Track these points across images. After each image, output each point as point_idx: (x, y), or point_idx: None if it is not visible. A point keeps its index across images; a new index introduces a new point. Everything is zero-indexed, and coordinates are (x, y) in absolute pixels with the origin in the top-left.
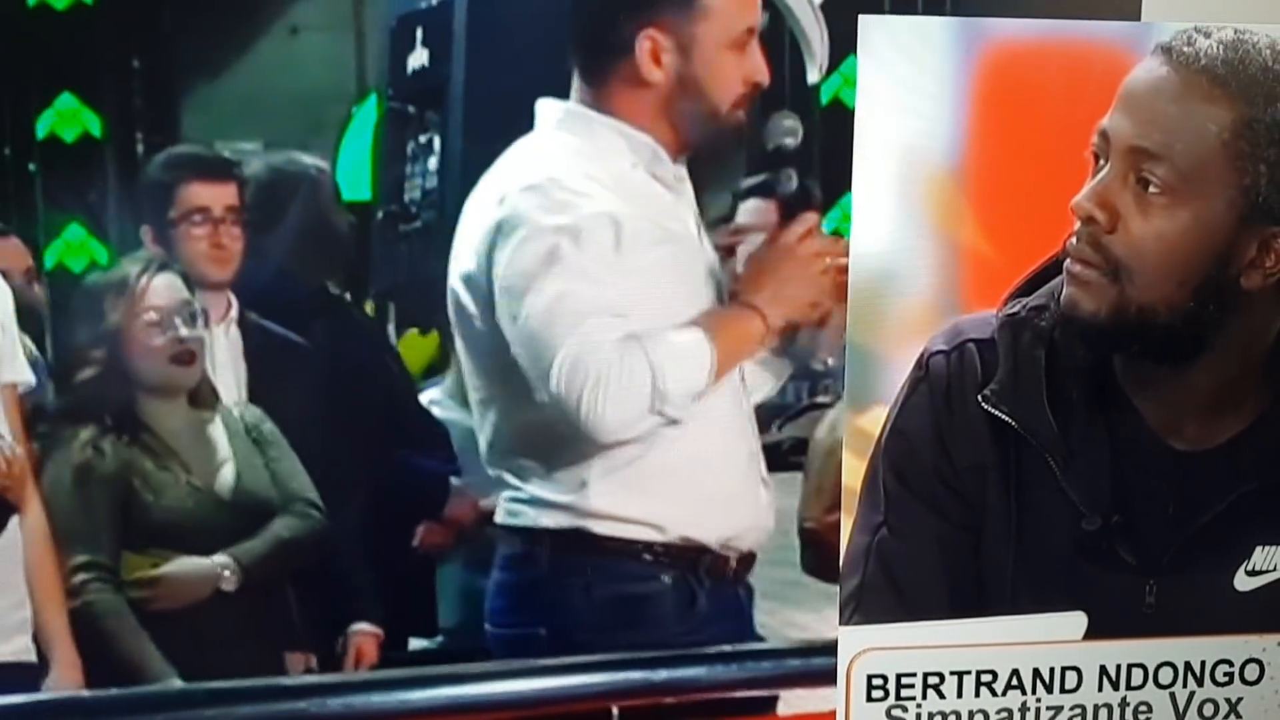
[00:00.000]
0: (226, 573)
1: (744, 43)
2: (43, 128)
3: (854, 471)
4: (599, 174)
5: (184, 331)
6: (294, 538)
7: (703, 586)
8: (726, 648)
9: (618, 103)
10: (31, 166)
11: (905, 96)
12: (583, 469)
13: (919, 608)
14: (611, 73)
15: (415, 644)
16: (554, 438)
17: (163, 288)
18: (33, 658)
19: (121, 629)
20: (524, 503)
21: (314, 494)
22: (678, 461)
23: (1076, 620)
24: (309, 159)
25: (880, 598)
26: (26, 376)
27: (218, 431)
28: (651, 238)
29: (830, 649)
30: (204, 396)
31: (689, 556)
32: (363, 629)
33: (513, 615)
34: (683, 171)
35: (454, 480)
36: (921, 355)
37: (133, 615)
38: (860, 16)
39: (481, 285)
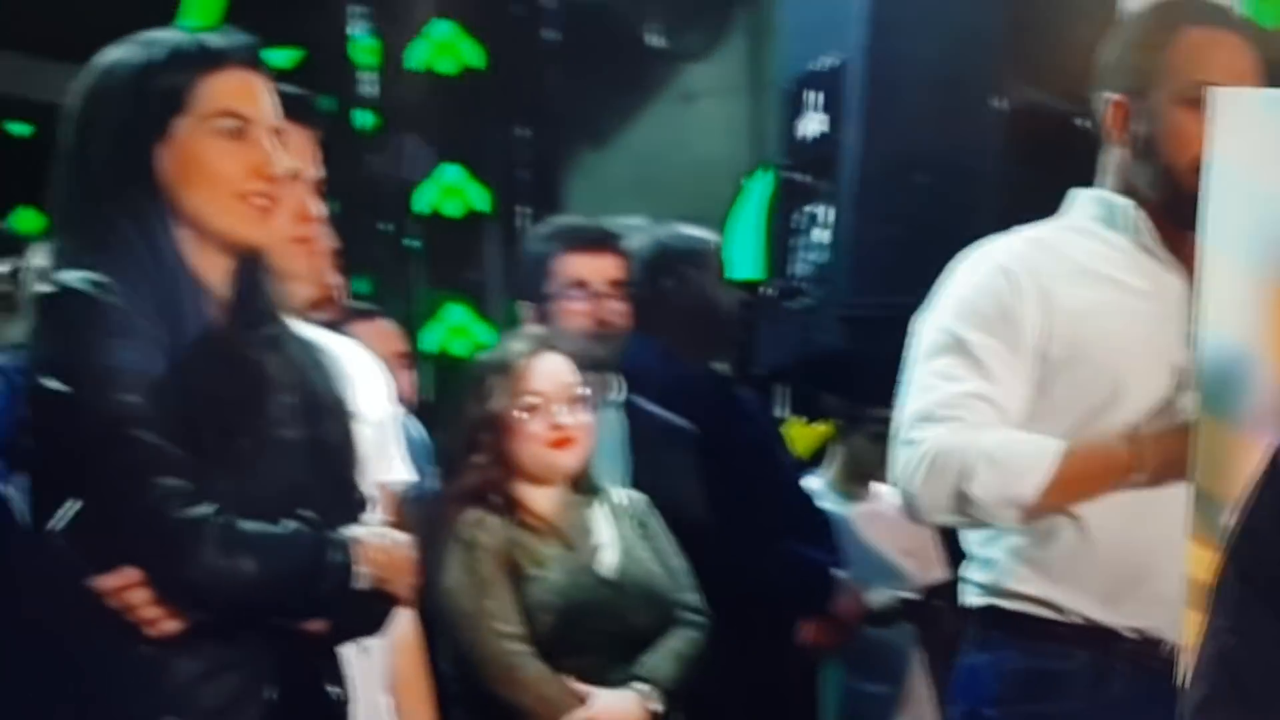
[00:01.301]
0: (652, 696)
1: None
2: (424, 201)
3: (1200, 562)
4: (1057, 252)
5: (565, 418)
6: (693, 653)
7: (1116, 672)
8: None
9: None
10: (411, 242)
11: (1259, 175)
12: (993, 548)
13: None
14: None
15: None
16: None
17: (547, 371)
18: None
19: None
20: (962, 581)
21: (697, 596)
22: (1082, 546)
23: None
24: (699, 233)
25: (1226, 711)
26: (405, 475)
27: (601, 515)
28: (1095, 322)
29: None
30: (586, 481)
31: (1098, 640)
32: None
33: (952, 691)
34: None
35: (838, 574)
36: (1275, 452)
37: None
38: (1210, 90)
39: None
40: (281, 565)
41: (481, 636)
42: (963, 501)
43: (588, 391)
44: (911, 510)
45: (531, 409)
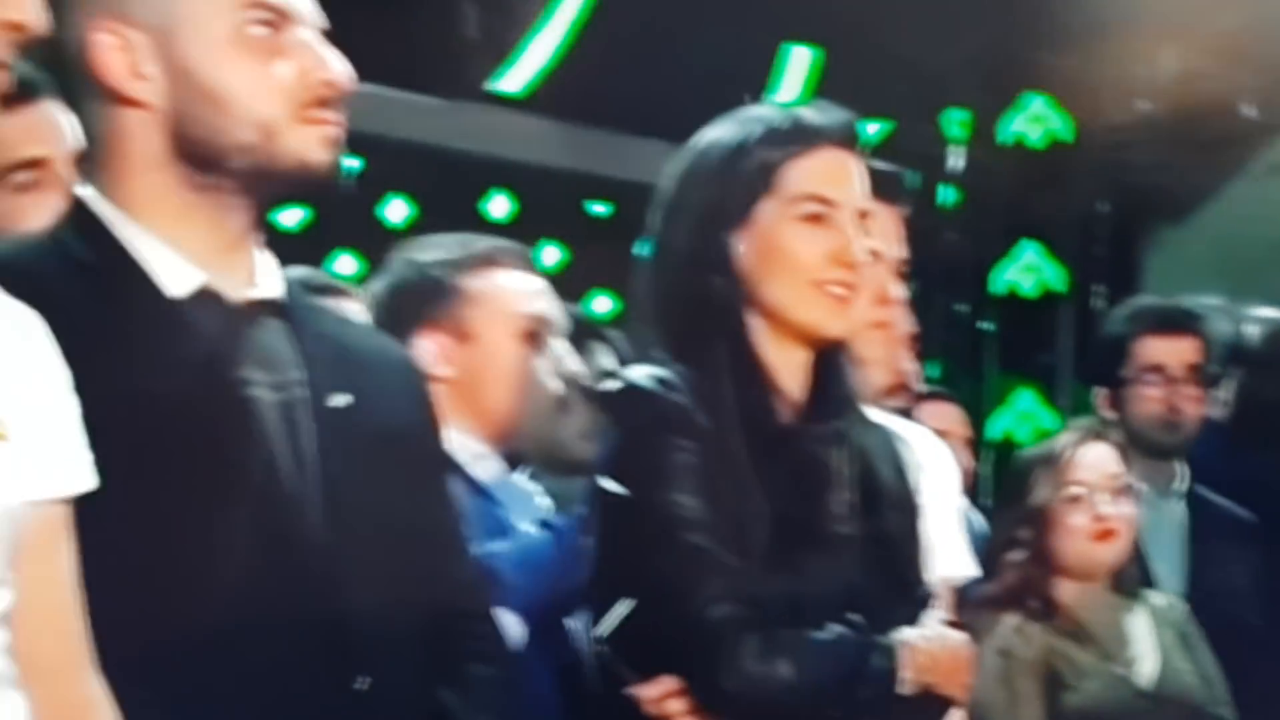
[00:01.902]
0: None
1: None
2: (1000, 281)
3: None
4: None
5: (1108, 508)
6: None
7: None
8: None
9: None
10: (984, 324)
11: None
12: None
13: None
14: None
15: None
16: None
17: (1090, 461)
18: None
19: None
20: None
21: (1232, 711)
22: None
23: None
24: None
25: None
26: (967, 570)
27: (1139, 621)
28: None
29: None
30: (1128, 581)
31: None
32: None
33: None
34: None
35: None
36: None
37: None
38: None
39: None
40: (820, 673)
41: None
42: None
43: (1132, 482)
44: None
45: (1074, 500)
